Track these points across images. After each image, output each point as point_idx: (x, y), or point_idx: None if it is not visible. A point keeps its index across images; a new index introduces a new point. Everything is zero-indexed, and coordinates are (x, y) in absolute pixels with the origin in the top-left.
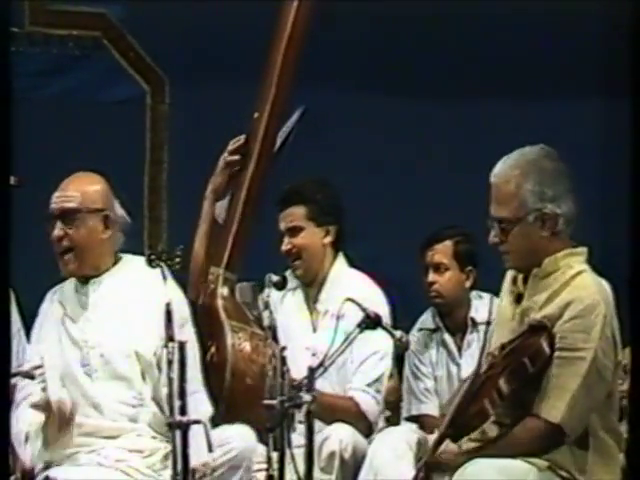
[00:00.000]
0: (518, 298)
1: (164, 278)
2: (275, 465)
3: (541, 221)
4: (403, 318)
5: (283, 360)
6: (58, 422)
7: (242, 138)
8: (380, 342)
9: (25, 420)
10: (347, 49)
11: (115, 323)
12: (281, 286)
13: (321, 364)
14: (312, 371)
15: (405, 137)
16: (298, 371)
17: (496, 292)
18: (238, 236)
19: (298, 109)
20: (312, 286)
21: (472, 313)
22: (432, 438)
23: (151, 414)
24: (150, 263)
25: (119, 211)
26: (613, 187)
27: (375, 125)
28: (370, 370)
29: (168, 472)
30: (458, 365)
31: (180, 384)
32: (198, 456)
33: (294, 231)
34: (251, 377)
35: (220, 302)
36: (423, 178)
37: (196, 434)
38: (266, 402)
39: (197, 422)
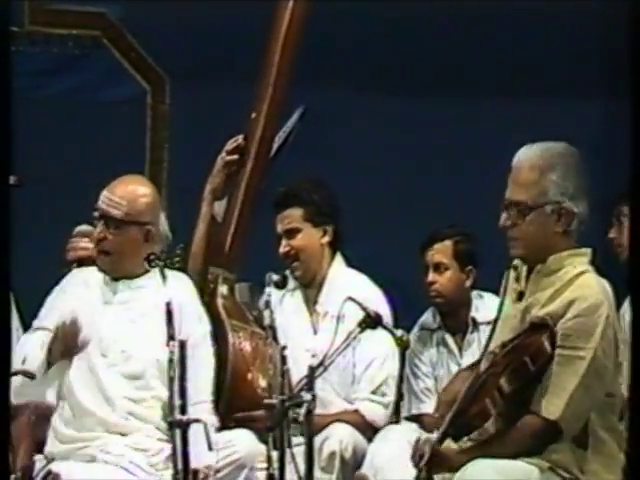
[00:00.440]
0: (520, 296)
1: (163, 277)
2: (275, 464)
3: (557, 215)
4: (403, 318)
5: (283, 359)
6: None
7: (240, 138)
8: (382, 345)
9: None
10: (347, 49)
11: (138, 325)
12: (282, 285)
13: (321, 363)
14: (312, 370)
15: (405, 136)
16: (298, 372)
17: (496, 292)
18: (237, 236)
19: (298, 109)
20: (311, 287)
21: (473, 313)
22: (433, 437)
23: (161, 416)
24: (150, 263)
25: (162, 227)
26: (613, 188)
27: (375, 125)
28: (374, 376)
29: (170, 472)
30: (459, 365)
31: (181, 383)
32: (199, 456)
33: (291, 233)
34: (251, 377)
35: (220, 301)
36: (423, 178)
37: (197, 435)
38: (266, 401)
39: (197, 421)
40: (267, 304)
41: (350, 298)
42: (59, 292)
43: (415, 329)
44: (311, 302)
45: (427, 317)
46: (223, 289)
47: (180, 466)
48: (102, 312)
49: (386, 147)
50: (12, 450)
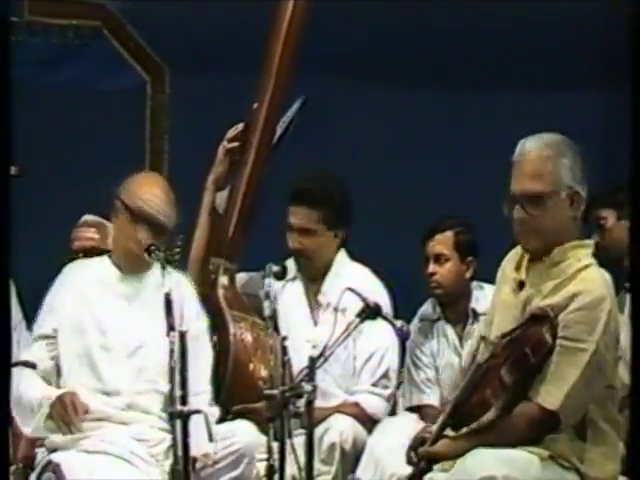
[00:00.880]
0: (520, 286)
1: (163, 268)
2: (275, 455)
3: (570, 200)
4: (404, 309)
5: (284, 350)
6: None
7: (240, 125)
8: (383, 338)
9: (35, 388)
10: (348, 39)
11: (147, 318)
12: (281, 276)
13: (321, 354)
14: (313, 361)
15: (406, 127)
16: (299, 363)
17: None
18: (238, 226)
19: (299, 98)
20: (314, 279)
21: (473, 304)
22: (433, 428)
23: (164, 407)
24: (150, 254)
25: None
26: (613, 180)
27: (376, 115)
28: (375, 368)
29: (170, 462)
30: (459, 355)
31: (181, 374)
32: (198, 445)
33: (306, 232)
34: (253, 367)
35: (221, 292)
36: (424, 168)
37: (197, 424)
38: (267, 392)
39: (197, 412)
40: (267, 295)
41: (349, 289)
42: (56, 291)
43: (415, 320)
44: (313, 293)
45: (427, 308)
46: (224, 279)
47: (180, 456)
48: (103, 305)
49: (386, 138)
50: (13, 440)
